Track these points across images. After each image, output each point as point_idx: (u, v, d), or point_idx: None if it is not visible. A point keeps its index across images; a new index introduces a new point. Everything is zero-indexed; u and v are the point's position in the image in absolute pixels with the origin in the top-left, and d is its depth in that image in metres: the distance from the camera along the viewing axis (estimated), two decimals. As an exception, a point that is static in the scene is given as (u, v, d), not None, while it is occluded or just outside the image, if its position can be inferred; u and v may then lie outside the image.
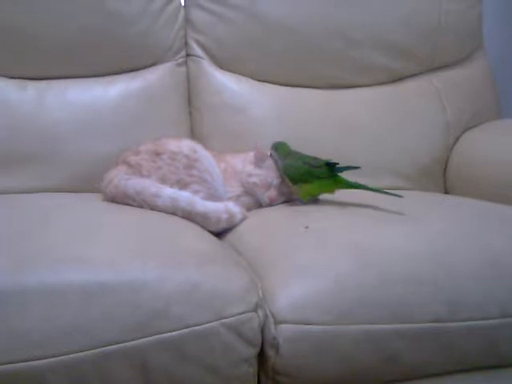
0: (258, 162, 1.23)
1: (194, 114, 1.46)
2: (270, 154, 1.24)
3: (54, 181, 1.29)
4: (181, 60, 1.46)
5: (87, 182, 1.28)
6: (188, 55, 1.47)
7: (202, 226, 1.08)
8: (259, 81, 1.48)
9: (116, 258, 0.79)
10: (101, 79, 1.38)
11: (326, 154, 1.44)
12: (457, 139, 1.51)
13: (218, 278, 0.80)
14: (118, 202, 1.11)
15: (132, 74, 1.41)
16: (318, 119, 1.47)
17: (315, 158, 1.16)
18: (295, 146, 1.30)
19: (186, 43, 1.46)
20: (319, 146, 1.42)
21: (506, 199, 1.19)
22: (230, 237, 1.10)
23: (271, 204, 1.21)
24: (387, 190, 1.09)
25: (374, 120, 1.49)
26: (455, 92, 1.55)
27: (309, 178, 1.12)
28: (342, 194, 1.14)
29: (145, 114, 1.38)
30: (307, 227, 0.99)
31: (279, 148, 1.23)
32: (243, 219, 1.14)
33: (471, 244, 0.92)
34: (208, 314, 0.76)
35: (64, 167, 1.29)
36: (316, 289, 0.81)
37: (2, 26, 1.30)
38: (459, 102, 1.54)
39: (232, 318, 0.77)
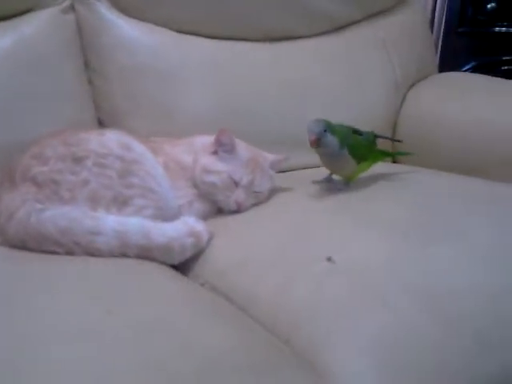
0: (224, 150, 0.90)
1: (95, 81, 1.05)
2: (318, 139, 0.84)
3: None
4: (67, 3, 1.03)
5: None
6: (73, -6, 1.05)
7: (162, 261, 0.77)
8: (180, 32, 1.12)
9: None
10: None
11: (269, 122, 1.15)
12: (404, 97, 1.30)
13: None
14: (31, 249, 0.71)
15: (-2, 25, 0.95)
16: (259, 79, 1.17)
17: (357, 130, 0.96)
18: (235, 118, 1.09)
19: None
20: (263, 115, 1.14)
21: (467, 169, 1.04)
22: (206, 275, 0.78)
23: (238, 211, 0.89)
24: None
25: (324, 76, 1.22)
26: (400, 41, 1.32)
27: (368, 154, 0.96)
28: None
29: (27, 85, 0.97)
30: (330, 259, 0.71)
31: (333, 128, 0.87)
32: (210, 239, 0.82)
33: None
34: None
35: None
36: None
37: None
38: (405, 54, 1.32)
39: None
